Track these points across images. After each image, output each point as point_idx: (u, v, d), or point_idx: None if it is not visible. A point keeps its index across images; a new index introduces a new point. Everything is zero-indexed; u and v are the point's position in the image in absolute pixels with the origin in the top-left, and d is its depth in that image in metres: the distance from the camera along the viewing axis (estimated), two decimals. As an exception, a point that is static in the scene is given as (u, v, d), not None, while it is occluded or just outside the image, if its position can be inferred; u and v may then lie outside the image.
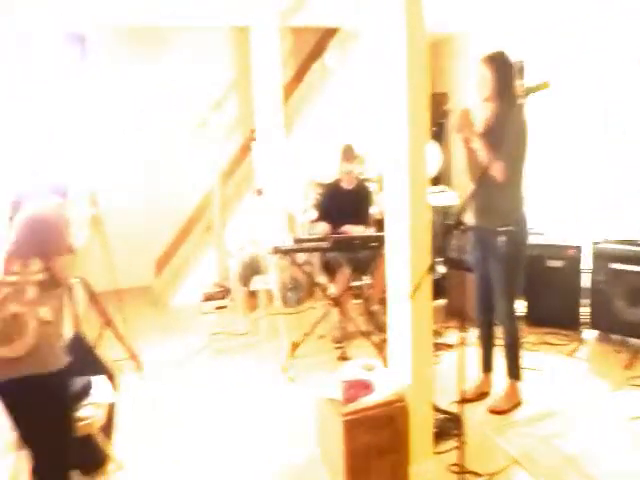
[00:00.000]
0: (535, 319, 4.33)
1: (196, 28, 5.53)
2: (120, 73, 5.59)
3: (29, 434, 1.85)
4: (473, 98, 3.18)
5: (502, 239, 3.00)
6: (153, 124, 5.75)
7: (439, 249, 4.81)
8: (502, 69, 2.96)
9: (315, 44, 6.11)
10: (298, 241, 3.98)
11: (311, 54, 6.10)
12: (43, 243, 1.84)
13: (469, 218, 3.22)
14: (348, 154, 4.39)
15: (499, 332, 3.22)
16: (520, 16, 5.04)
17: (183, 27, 5.46)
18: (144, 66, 5.67)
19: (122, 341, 3.57)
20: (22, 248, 1.84)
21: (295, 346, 3.88)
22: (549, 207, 4.99)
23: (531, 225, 4.73)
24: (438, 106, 5.92)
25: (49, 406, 1.83)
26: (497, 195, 2.96)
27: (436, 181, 5.90)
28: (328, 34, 5.90)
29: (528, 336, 4.14)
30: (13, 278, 1.80)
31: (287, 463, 2.71)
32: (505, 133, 2.82)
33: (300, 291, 5.11)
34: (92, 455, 2.51)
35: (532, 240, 4.36)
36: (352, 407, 2.48)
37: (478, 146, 2.95)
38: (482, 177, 2.86)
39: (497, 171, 2.86)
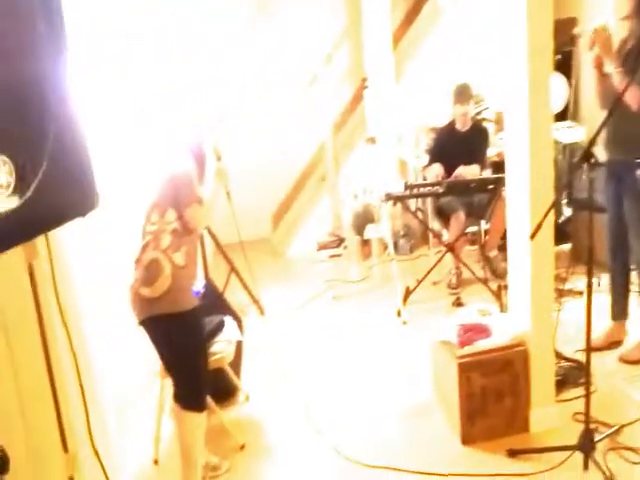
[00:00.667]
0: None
1: None
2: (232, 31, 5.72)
3: (170, 363, 2.12)
4: (609, 18, 2.83)
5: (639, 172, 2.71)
6: (267, 80, 5.87)
7: (565, 189, 4.49)
8: None
9: None
10: (410, 187, 3.91)
11: None
12: (177, 196, 2.00)
13: (600, 152, 2.94)
14: (462, 94, 4.15)
15: (634, 277, 2.96)
16: None
17: None
18: (259, 23, 5.75)
19: (246, 288, 3.84)
20: (160, 201, 2.03)
21: (409, 292, 3.88)
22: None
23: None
24: (564, 33, 5.34)
25: (183, 340, 2.05)
26: (634, 122, 2.66)
27: (562, 116, 5.41)
28: None
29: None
30: (153, 227, 2.01)
31: (403, 405, 2.78)
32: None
33: (413, 238, 5.06)
34: (223, 386, 2.79)
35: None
36: (468, 350, 2.46)
37: (612, 69, 2.64)
38: (616, 104, 2.57)
39: (633, 98, 2.56)
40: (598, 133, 2.13)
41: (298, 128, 5.89)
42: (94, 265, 2.37)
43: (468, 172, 4.07)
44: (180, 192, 1.99)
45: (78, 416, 1.53)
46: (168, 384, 2.29)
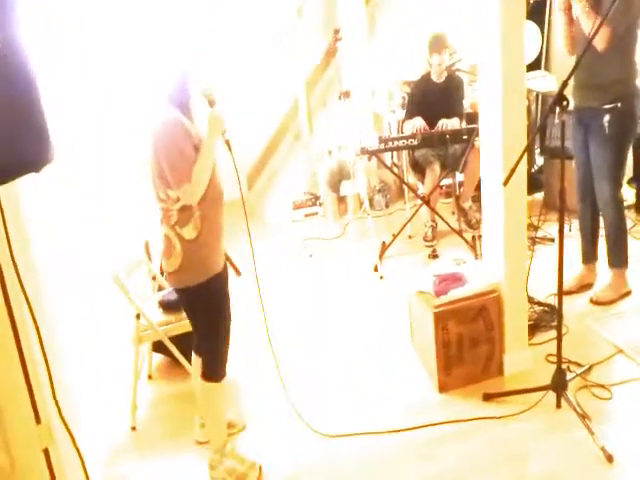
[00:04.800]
0: (648, 207, 3.97)
1: None
2: None
3: (194, 323, 2.10)
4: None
5: (606, 118, 2.72)
6: (235, 36, 5.65)
7: (537, 137, 4.49)
8: None
9: None
10: (385, 141, 3.87)
11: None
12: (167, 176, 1.84)
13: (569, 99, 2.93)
14: (437, 44, 4.06)
15: (602, 221, 3.01)
16: None
17: None
18: None
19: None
20: (155, 176, 1.91)
21: (385, 246, 3.90)
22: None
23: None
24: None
25: (203, 314, 2.03)
26: (601, 68, 2.66)
27: (535, 65, 5.36)
28: None
29: (638, 224, 3.82)
30: (162, 205, 1.91)
31: (382, 356, 2.82)
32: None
33: (388, 193, 5.04)
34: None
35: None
36: (443, 299, 2.50)
37: (580, 10, 2.60)
38: (584, 48, 2.54)
39: (600, 38, 2.52)
40: (570, 77, 2.11)
41: (270, 84, 5.74)
42: (54, 224, 2.29)
43: (449, 123, 4.03)
44: (168, 172, 1.83)
45: (47, 386, 1.51)
46: (143, 350, 2.28)
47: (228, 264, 3.86)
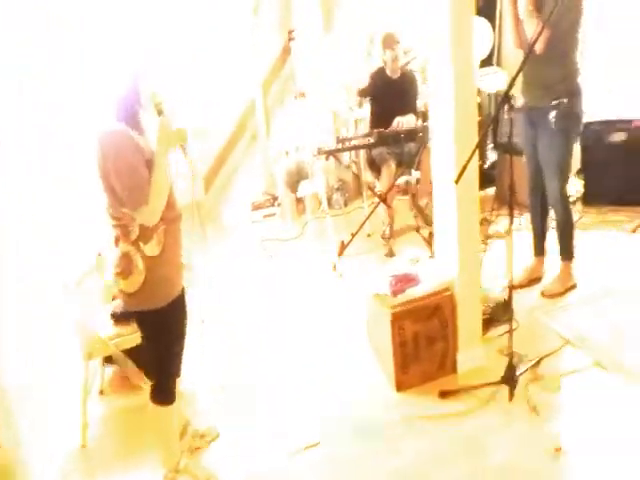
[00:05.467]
0: (594, 199, 4.14)
1: None
2: None
3: (149, 346, 1.97)
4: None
5: (552, 115, 2.79)
6: (191, 35, 5.54)
7: (489, 134, 4.59)
8: None
9: None
10: (342, 140, 3.88)
11: None
12: (120, 197, 1.73)
13: (518, 96, 3.01)
14: (389, 40, 4.11)
15: (552, 215, 3.10)
16: None
17: None
18: None
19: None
20: (107, 200, 1.79)
21: (343, 245, 3.91)
22: (610, 77, 4.52)
23: (588, 98, 4.39)
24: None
25: (162, 338, 1.92)
26: (545, 67, 2.75)
27: (487, 62, 5.46)
28: None
29: (586, 216, 3.97)
30: (118, 222, 1.78)
31: (340, 356, 2.84)
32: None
33: (347, 192, 5.07)
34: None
35: (590, 115, 4.05)
36: (399, 299, 2.52)
37: (524, 11, 2.67)
38: (529, 48, 2.61)
39: (539, 42, 2.60)
40: (516, 77, 2.16)
41: (226, 84, 5.66)
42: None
43: (404, 121, 4.06)
44: (122, 193, 1.70)
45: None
46: (93, 366, 2.21)
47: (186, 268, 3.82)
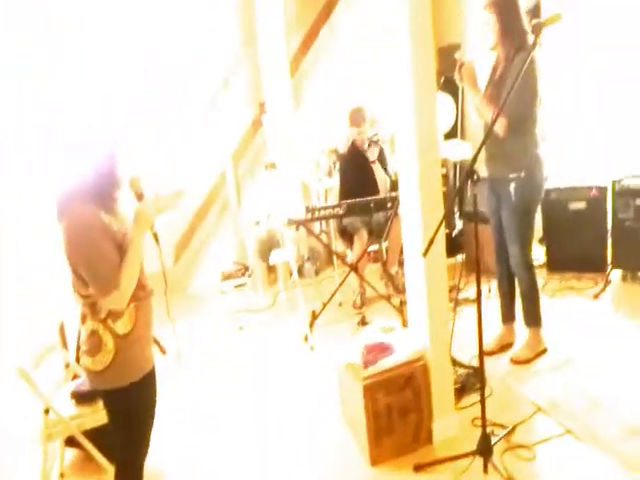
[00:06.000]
0: (557, 265, 4.26)
1: (199, 4, 5.41)
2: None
3: (116, 429, 1.85)
4: (481, 47, 3.06)
5: (513, 186, 2.93)
6: (162, 108, 5.71)
7: (455, 204, 4.76)
8: (506, 11, 2.81)
9: (323, 7, 5.92)
10: (312, 210, 3.96)
11: (319, 18, 5.91)
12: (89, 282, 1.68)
13: (482, 168, 3.15)
14: (356, 117, 4.31)
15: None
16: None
17: (186, 3, 5.34)
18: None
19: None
20: (74, 279, 1.72)
21: (315, 316, 3.90)
22: (569, 148, 4.82)
23: (550, 168, 4.64)
24: (451, 57, 5.74)
25: (133, 412, 1.82)
26: (506, 142, 2.88)
27: (451, 134, 5.76)
28: None
29: (550, 282, 4.08)
30: (84, 300, 1.73)
31: (312, 429, 2.76)
32: (511, 80, 2.70)
33: (318, 261, 5.11)
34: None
35: (551, 184, 4.27)
36: (371, 370, 2.49)
37: (479, 102, 2.87)
38: (488, 129, 2.77)
39: (499, 127, 2.79)
40: (478, 153, 2.26)
41: (200, 153, 5.79)
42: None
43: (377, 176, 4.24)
44: (89, 279, 1.64)
45: None
46: (52, 449, 2.09)
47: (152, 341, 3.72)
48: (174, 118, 5.67)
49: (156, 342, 3.74)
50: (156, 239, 1.86)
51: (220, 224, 5.61)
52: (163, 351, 3.73)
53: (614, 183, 3.95)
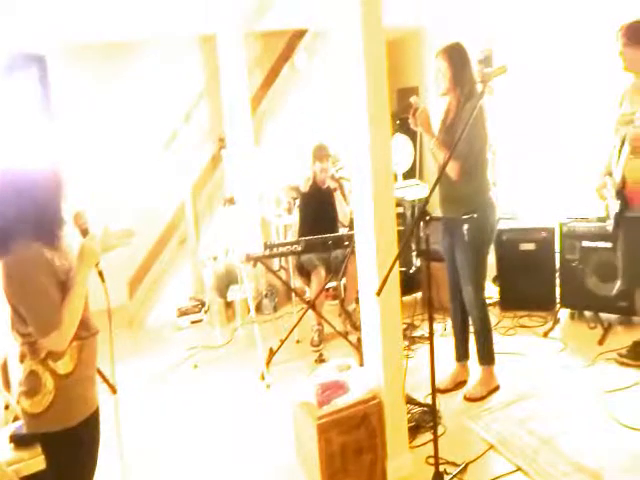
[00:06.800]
0: (510, 303, 4.37)
1: (161, 40, 5.48)
2: (84, 91, 5.52)
3: (56, 477, 1.77)
4: (433, 93, 3.19)
5: (466, 227, 3.01)
6: (121, 141, 5.68)
7: (411, 243, 4.87)
8: (457, 60, 2.96)
9: (284, 47, 6.09)
10: (270, 247, 3.96)
11: (280, 57, 6.07)
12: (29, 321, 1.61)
13: (436, 209, 3.25)
14: (319, 154, 4.38)
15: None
16: (488, 6, 5.10)
17: (147, 40, 5.40)
18: (109, 83, 5.60)
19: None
20: (12, 317, 1.66)
21: (272, 353, 3.85)
22: (521, 191, 5.05)
23: (502, 210, 4.83)
24: (408, 99, 5.96)
25: (73, 458, 1.73)
26: (458, 185, 2.97)
27: (409, 174, 5.91)
28: (296, 36, 5.87)
29: (503, 320, 4.19)
30: (23, 339, 1.65)
31: (266, 470, 2.70)
32: (462, 126, 2.82)
33: (277, 297, 5.09)
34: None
35: (504, 225, 4.44)
36: (326, 410, 2.47)
37: (433, 145, 2.98)
38: (440, 171, 2.88)
39: (451, 171, 2.89)
40: (430, 194, 2.34)
41: (158, 187, 5.75)
42: None
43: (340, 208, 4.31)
44: (29, 318, 1.58)
45: None
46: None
47: (102, 380, 3.58)
48: (132, 152, 5.65)
49: (105, 381, 3.60)
50: (101, 277, 1.80)
51: (177, 259, 5.54)
52: (114, 391, 3.59)
53: (561, 225, 4.13)
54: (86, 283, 1.68)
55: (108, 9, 4.11)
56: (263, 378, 3.64)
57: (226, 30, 5.00)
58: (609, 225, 3.21)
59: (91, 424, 1.77)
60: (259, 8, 4.70)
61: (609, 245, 3.76)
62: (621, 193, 3.00)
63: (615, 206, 3.05)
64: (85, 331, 1.73)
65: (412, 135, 5.86)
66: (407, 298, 4.48)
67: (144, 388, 3.73)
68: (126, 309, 5.22)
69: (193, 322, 4.81)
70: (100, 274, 1.80)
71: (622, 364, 3.31)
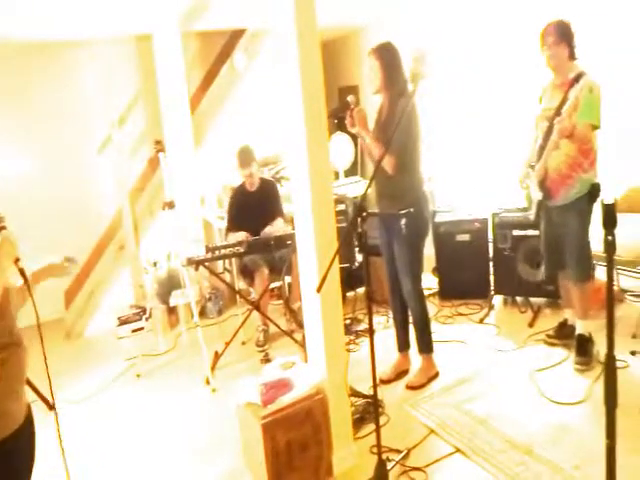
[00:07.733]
0: (449, 293, 4.54)
1: (96, 41, 5.30)
2: (16, 92, 5.26)
3: None
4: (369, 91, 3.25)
5: (403, 222, 3.08)
6: (57, 146, 5.46)
7: (355, 239, 4.94)
8: (389, 59, 3.03)
9: (223, 47, 6.01)
10: (212, 249, 3.91)
11: (219, 57, 5.98)
12: None
13: (373, 205, 3.31)
14: (243, 158, 4.32)
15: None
16: (423, 6, 5.24)
17: (82, 41, 5.21)
18: (44, 85, 5.36)
19: (27, 382, 3.36)
20: None
21: (217, 357, 3.83)
22: (456, 184, 5.23)
23: (439, 203, 4.98)
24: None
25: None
26: (393, 180, 3.05)
27: (351, 172, 5.99)
28: (235, 36, 5.80)
29: (443, 310, 4.34)
30: None
31: (213, 474, 2.68)
32: (395, 123, 2.89)
33: (221, 299, 5.05)
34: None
35: (441, 217, 4.59)
36: (270, 408, 2.49)
37: (369, 142, 3.04)
38: (375, 167, 2.94)
39: (387, 165, 2.96)
40: (366, 190, 2.38)
41: (95, 192, 5.57)
42: None
43: (273, 230, 4.18)
44: None
45: None
46: None
47: (36, 397, 3.43)
48: (64, 158, 5.45)
49: (41, 397, 3.46)
50: (23, 275, 1.71)
51: (117, 266, 5.38)
52: (50, 407, 3.45)
53: (493, 216, 4.32)
54: (3, 279, 1.60)
55: (33, 5, 3.91)
56: (208, 382, 3.60)
57: (163, 29, 4.91)
58: (530, 214, 3.39)
59: (18, 440, 1.67)
60: (196, 7, 4.63)
61: (537, 233, 3.96)
62: (542, 184, 3.18)
63: (537, 195, 3.23)
64: (7, 338, 1.65)
65: (352, 134, 5.93)
66: (352, 293, 4.55)
67: (86, 401, 3.61)
68: (63, 321, 5.03)
69: (134, 330, 4.67)
70: (21, 272, 1.72)
71: (550, 344, 3.52)
